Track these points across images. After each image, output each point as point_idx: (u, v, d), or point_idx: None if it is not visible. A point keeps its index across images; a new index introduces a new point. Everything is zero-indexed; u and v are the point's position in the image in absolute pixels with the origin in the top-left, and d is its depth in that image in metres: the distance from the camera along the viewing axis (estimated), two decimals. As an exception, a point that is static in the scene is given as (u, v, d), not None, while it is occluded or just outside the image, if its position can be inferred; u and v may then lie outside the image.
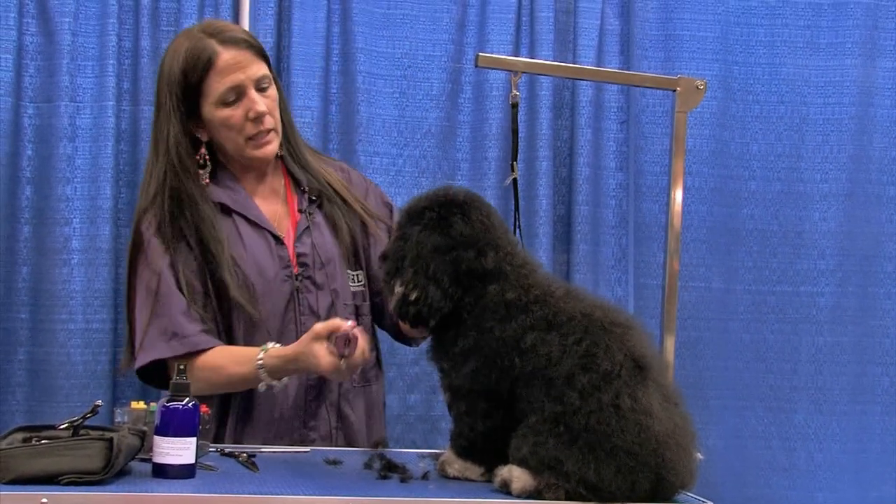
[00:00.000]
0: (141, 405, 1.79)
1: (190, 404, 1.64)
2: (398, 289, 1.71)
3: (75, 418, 1.63)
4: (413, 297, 1.69)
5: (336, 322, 1.88)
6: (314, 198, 2.15)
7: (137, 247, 2.08)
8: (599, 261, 2.82)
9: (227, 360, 2.01)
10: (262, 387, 1.97)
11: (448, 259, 1.69)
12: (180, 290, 2.02)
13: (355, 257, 2.17)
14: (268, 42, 2.67)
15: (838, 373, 2.86)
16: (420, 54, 2.79)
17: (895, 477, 2.88)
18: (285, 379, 1.98)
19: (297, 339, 1.97)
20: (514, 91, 2.20)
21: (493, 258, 1.70)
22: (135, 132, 2.68)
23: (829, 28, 2.87)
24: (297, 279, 2.10)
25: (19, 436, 1.63)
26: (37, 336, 2.61)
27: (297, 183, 2.17)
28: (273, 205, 2.15)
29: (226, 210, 2.10)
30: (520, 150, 2.38)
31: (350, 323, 1.88)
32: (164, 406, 1.64)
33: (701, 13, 2.84)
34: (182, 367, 1.68)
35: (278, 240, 2.11)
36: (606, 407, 1.56)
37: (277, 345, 1.97)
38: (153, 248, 2.04)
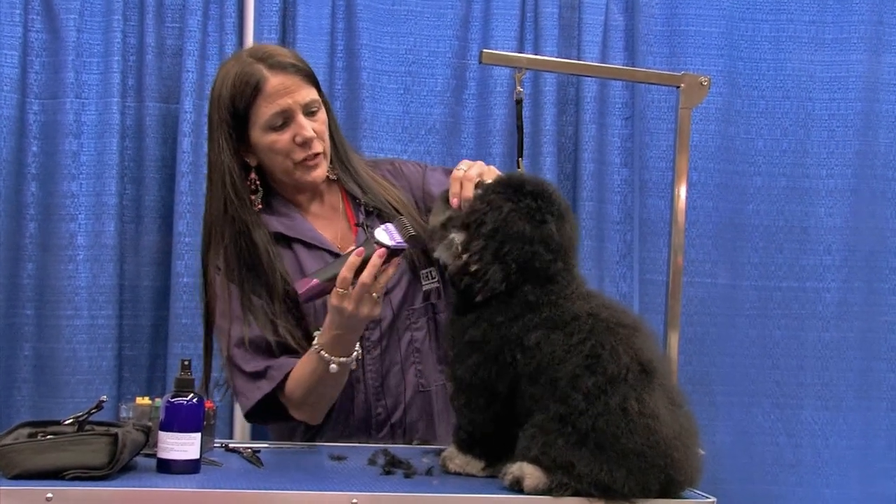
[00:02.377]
0: (146, 401, 1.79)
1: (194, 400, 1.65)
2: (463, 256, 1.69)
3: (80, 413, 1.64)
4: (473, 269, 1.68)
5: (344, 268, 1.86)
6: (371, 210, 2.13)
7: (208, 285, 2.07)
8: (604, 257, 2.81)
9: (297, 368, 1.99)
10: (333, 367, 1.92)
11: (527, 250, 1.68)
12: (251, 322, 2.01)
13: (425, 255, 2.12)
14: (272, 39, 2.67)
15: (844, 369, 2.85)
16: (424, 50, 2.79)
17: (901, 472, 2.88)
18: (355, 353, 1.94)
19: (364, 353, 2.00)
20: (519, 88, 2.19)
21: (561, 268, 1.70)
22: (140, 129, 2.69)
23: (835, 23, 2.86)
24: None
25: (24, 431, 1.64)
26: (42, 332, 2.61)
27: (354, 198, 2.15)
28: (335, 224, 2.14)
29: (284, 239, 2.09)
30: (524, 147, 2.37)
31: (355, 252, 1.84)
32: (168, 402, 1.64)
33: (706, 9, 2.83)
34: (187, 362, 1.69)
35: (338, 256, 2.08)
36: (614, 410, 1.56)
37: None
38: (219, 287, 2.04)
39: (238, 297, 2.03)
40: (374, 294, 1.85)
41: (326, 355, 1.92)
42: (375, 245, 1.85)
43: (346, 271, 1.84)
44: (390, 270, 1.87)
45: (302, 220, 2.11)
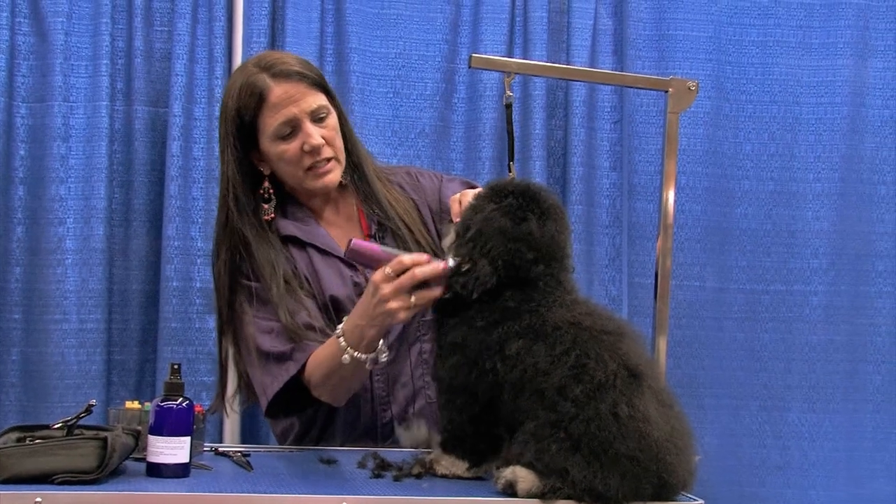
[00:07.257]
0: (135, 405, 1.79)
1: (184, 404, 1.64)
2: (453, 260, 1.70)
3: (69, 418, 1.63)
4: (465, 268, 1.69)
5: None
6: (382, 221, 2.12)
7: (222, 291, 2.05)
8: (593, 260, 2.82)
9: (320, 350, 1.94)
10: (345, 359, 1.84)
11: (509, 247, 1.68)
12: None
13: None
14: (261, 42, 2.67)
15: (831, 371, 2.87)
16: (414, 54, 2.79)
17: (887, 473, 2.89)
18: (374, 354, 1.85)
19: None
20: (508, 92, 2.20)
21: (543, 271, 1.70)
22: (129, 132, 2.68)
23: (821, 28, 2.88)
24: None
25: (13, 435, 1.63)
26: (31, 336, 2.60)
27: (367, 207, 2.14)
28: (349, 233, 2.11)
29: (299, 242, 2.08)
30: (514, 151, 2.38)
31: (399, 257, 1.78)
32: (158, 405, 1.64)
33: (694, 13, 2.84)
34: (176, 366, 1.68)
35: (352, 266, 2.07)
36: (605, 415, 1.56)
37: None
38: (236, 293, 2.03)
39: (257, 294, 2.01)
40: (412, 299, 1.75)
41: (343, 343, 1.85)
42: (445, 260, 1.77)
43: (408, 259, 1.74)
44: (438, 292, 1.74)
45: (316, 225, 2.10)
